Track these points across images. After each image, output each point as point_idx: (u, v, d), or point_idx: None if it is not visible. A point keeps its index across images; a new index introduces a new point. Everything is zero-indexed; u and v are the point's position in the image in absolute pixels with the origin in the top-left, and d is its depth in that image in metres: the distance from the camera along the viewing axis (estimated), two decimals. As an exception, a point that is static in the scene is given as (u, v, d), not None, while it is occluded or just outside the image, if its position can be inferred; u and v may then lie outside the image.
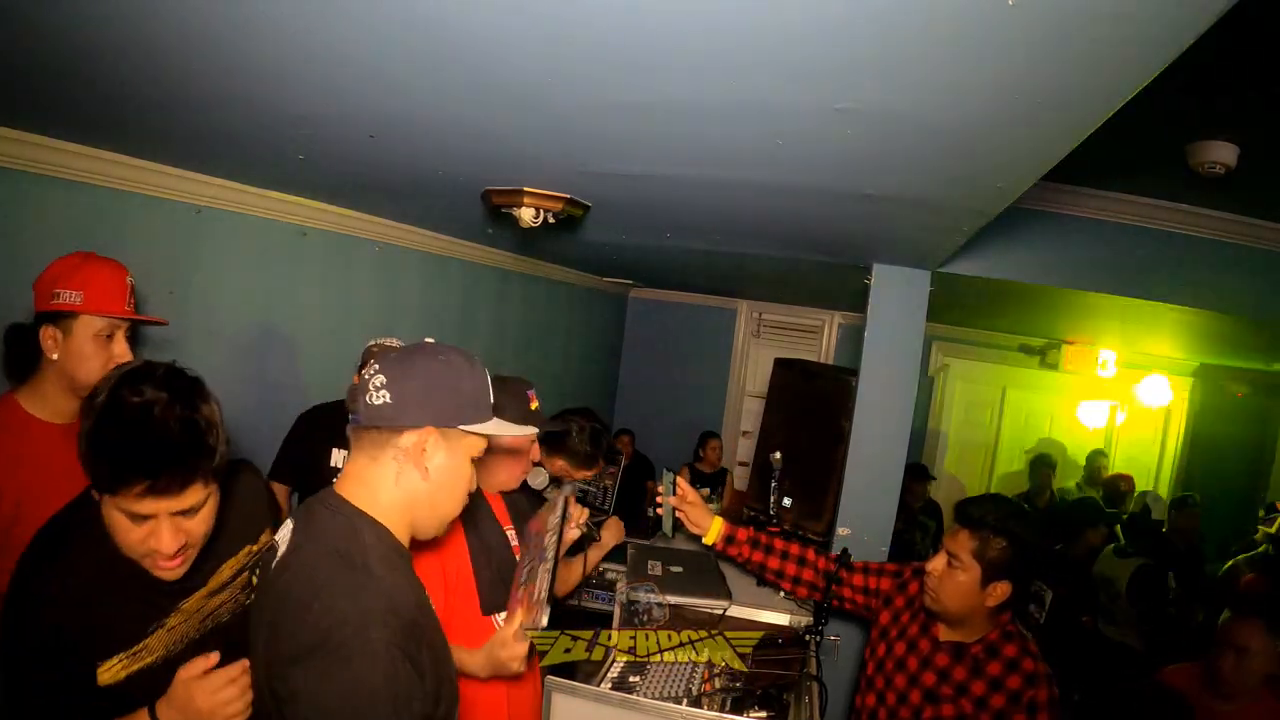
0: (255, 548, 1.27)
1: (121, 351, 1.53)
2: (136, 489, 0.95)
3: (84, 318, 1.47)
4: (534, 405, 1.66)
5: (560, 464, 2.23)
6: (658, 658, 1.66)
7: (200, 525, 1.07)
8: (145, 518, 0.99)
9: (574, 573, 1.98)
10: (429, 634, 1.00)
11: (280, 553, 1.01)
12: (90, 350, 1.48)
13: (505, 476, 1.66)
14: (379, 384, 1.02)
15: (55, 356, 1.47)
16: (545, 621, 1.36)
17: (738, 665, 1.66)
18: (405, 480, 1.03)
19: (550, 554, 1.48)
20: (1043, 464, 4.81)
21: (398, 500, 1.04)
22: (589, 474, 2.15)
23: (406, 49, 1.03)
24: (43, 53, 1.18)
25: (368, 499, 1.03)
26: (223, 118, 1.51)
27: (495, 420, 1.11)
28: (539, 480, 1.76)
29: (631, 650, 1.65)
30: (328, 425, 2.26)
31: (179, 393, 1.02)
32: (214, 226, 2.31)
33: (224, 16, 0.97)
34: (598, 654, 1.60)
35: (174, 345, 2.23)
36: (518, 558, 1.64)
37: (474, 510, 1.57)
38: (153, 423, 0.97)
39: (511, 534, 1.68)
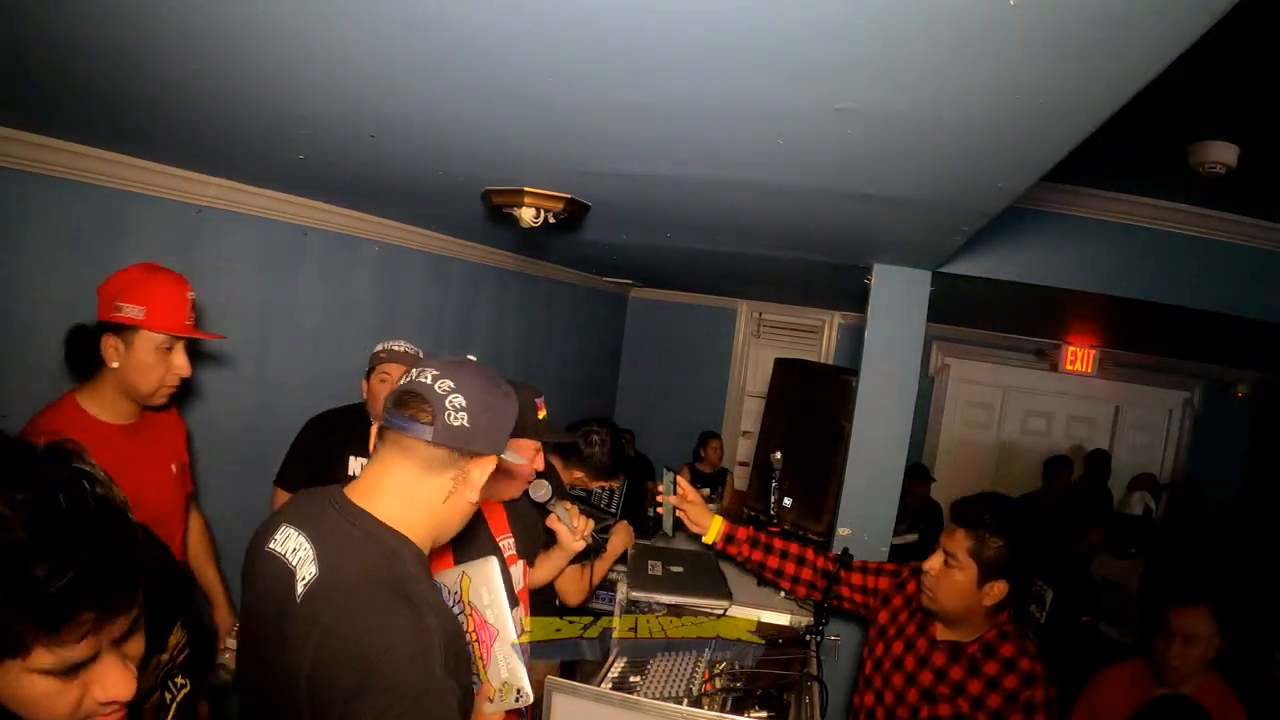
0: (164, 657, 0.99)
1: (181, 364, 1.60)
2: (82, 626, 0.63)
3: (145, 332, 1.53)
4: (541, 414, 1.67)
5: (579, 475, 2.23)
6: (663, 636, 1.67)
7: (138, 644, 0.73)
8: (77, 668, 0.66)
9: (582, 582, 1.98)
10: (465, 650, 1.02)
11: (307, 577, 0.95)
12: (151, 362, 1.55)
13: (506, 487, 1.65)
14: (459, 405, 1.00)
15: (116, 365, 1.52)
16: (528, 693, 1.25)
17: (753, 640, 1.71)
18: (454, 501, 1.04)
19: (504, 627, 1.42)
20: (1058, 465, 4.77)
21: (437, 518, 1.04)
22: (607, 484, 2.14)
23: (407, 49, 1.03)
24: (43, 52, 1.18)
25: (402, 513, 1.01)
26: (223, 118, 1.51)
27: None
28: (541, 493, 1.75)
29: (633, 629, 1.68)
30: (345, 430, 2.23)
31: (78, 475, 0.67)
32: (214, 226, 2.31)
33: (224, 16, 0.97)
34: (593, 632, 1.62)
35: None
36: (510, 568, 1.64)
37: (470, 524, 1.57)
38: (83, 528, 0.63)
39: (509, 543, 1.68)
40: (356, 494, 1.02)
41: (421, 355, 2.33)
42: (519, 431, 1.60)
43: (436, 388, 1.01)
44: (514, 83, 1.12)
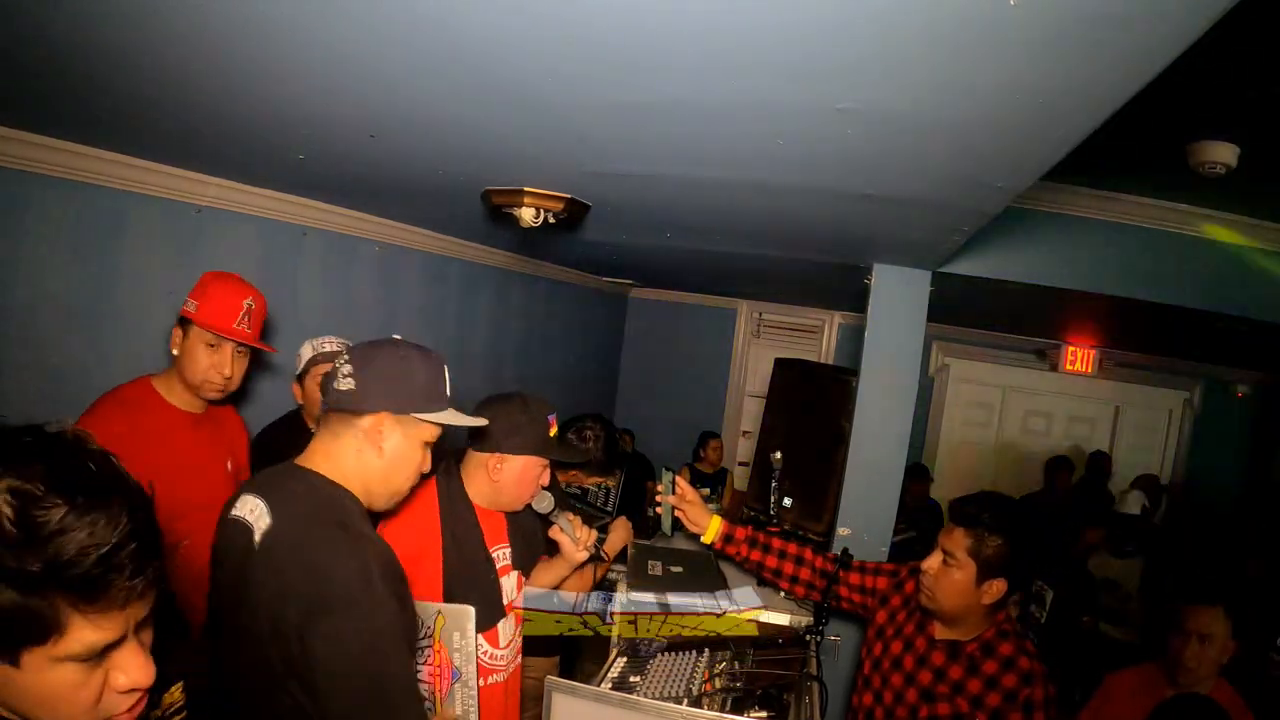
0: (157, 713, 0.87)
1: (220, 362, 1.70)
2: (119, 595, 0.63)
3: (196, 326, 1.68)
4: (553, 431, 1.68)
5: (573, 472, 2.22)
6: (661, 639, 1.68)
7: (150, 635, 0.73)
8: (104, 653, 0.65)
9: (585, 583, 1.97)
10: (401, 572, 1.15)
11: (263, 527, 1.07)
12: (198, 355, 1.68)
13: (511, 497, 1.65)
14: (346, 371, 1.18)
15: (175, 353, 1.70)
16: None
17: (750, 630, 1.75)
18: (364, 457, 1.18)
19: (468, 673, 1.44)
20: (1060, 466, 4.76)
21: (357, 473, 1.18)
22: (602, 481, 2.15)
23: (407, 49, 1.03)
24: (44, 53, 1.18)
25: (335, 470, 1.17)
26: (223, 118, 1.51)
27: (450, 410, 1.26)
28: (544, 505, 1.75)
29: (633, 624, 1.71)
30: (287, 445, 2.24)
31: (100, 451, 0.69)
32: (214, 226, 2.31)
33: (224, 16, 0.97)
34: (594, 620, 1.70)
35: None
36: (502, 579, 1.65)
37: (460, 524, 1.58)
38: (119, 495, 0.65)
39: (504, 553, 1.68)
40: (303, 460, 1.21)
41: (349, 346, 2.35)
42: (530, 449, 1.61)
43: (337, 362, 1.21)
44: (514, 83, 1.12)
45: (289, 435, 2.21)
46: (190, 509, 1.57)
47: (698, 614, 1.87)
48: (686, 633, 1.76)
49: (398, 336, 1.38)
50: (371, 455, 1.18)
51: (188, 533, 1.58)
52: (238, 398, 1.92)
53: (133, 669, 0.68)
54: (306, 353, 2.24)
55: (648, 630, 1.73)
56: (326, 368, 2.20)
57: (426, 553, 1.52)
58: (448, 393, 1.27)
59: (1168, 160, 2.13)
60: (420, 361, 1.23)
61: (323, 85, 1.22)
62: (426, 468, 1.27)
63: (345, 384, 1.17)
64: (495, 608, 1.62)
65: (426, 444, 1.25)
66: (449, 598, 1.51)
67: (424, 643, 1.41)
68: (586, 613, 1.80)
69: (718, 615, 1.93)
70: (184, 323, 1.69)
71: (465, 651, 1.43)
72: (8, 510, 0.58)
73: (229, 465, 1.85)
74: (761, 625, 2.00)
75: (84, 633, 0.63)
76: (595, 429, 2.21)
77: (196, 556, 1.48)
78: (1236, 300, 2.63)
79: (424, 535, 1.53)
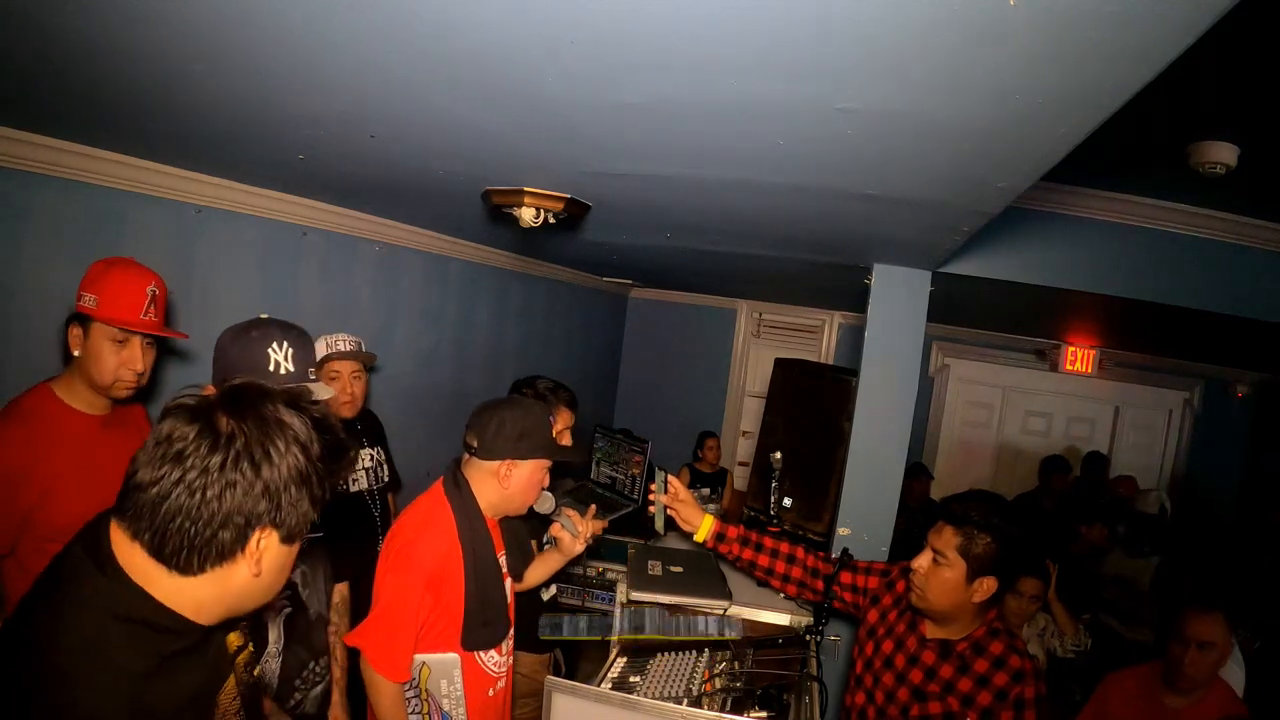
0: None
1: (130, 358, 1.55)
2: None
3: (98, 323, 1.51)
4: (555, 430, 1.69)
5: (564, 420, 2.25)
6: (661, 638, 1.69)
7: None
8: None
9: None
10: None
11: None
12: (104, 353, 1.53)
13: (519, 502, 1.64)
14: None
15: (77, 354, 1.54)
16: None
17: (733, 636, 1.73)
18: None
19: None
20: (1055, 466, 4.74)
21: None
22: (558, 424, 2.14)
23: (407, 49, 1.03)
24: (44, 53, 1.18)
25: None
26: (223, 118, 1.51)
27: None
28: (546, 506, 1.75)
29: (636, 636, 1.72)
30: None
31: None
32: (214, 226, 2.31)
33: (224, 16, 0.97)
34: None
35: (174, 345, 2.23)
36: (505, 583, 1.65)
37: (478, 541, 1.55)
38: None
39: (503, 560, 1.68)
40: None
41: (363, 346, 2.36)
42: (539, 452, 1.60)
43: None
44: (514, 82, 1.12)
45: None
46: None
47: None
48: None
49: (264, 315, 1.42)
50: None
51: None
52: (147, 392, 1.79)
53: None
54: (320, 349, 2.25)
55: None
56: (343, 366, 2.24)
57: (449, 575, 1.49)
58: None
59: (1168, 160, 2.13)
60: (247, 336, 1.38)
61: (322, 85, 1.22)
62: None
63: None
64: (505, 622, 1.61)
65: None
66: (467, 619, 1.50)
67: (409, 693, 1.43)
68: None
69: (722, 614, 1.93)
70: (82, 320, 1.52)
71: (454, 697, 1.45)
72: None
73: None
74: (762, 625, 2.00)
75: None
76: (538, 384, 2.30)
77: None
78: (1236, 300, 2.63)
79: (446, 558, 1.49)
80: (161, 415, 0.81)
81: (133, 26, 1.03)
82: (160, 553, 0.77)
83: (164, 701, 0.77)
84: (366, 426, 2.47)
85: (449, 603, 1.48)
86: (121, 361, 1.54)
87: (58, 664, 0.72)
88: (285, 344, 1.39)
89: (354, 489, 2.33)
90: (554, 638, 2.08)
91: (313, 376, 1.44)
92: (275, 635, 1.50)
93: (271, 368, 1.35)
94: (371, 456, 2.45)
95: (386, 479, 2.49)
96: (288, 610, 1.54)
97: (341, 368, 2.27)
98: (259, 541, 0.81)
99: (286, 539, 0.84)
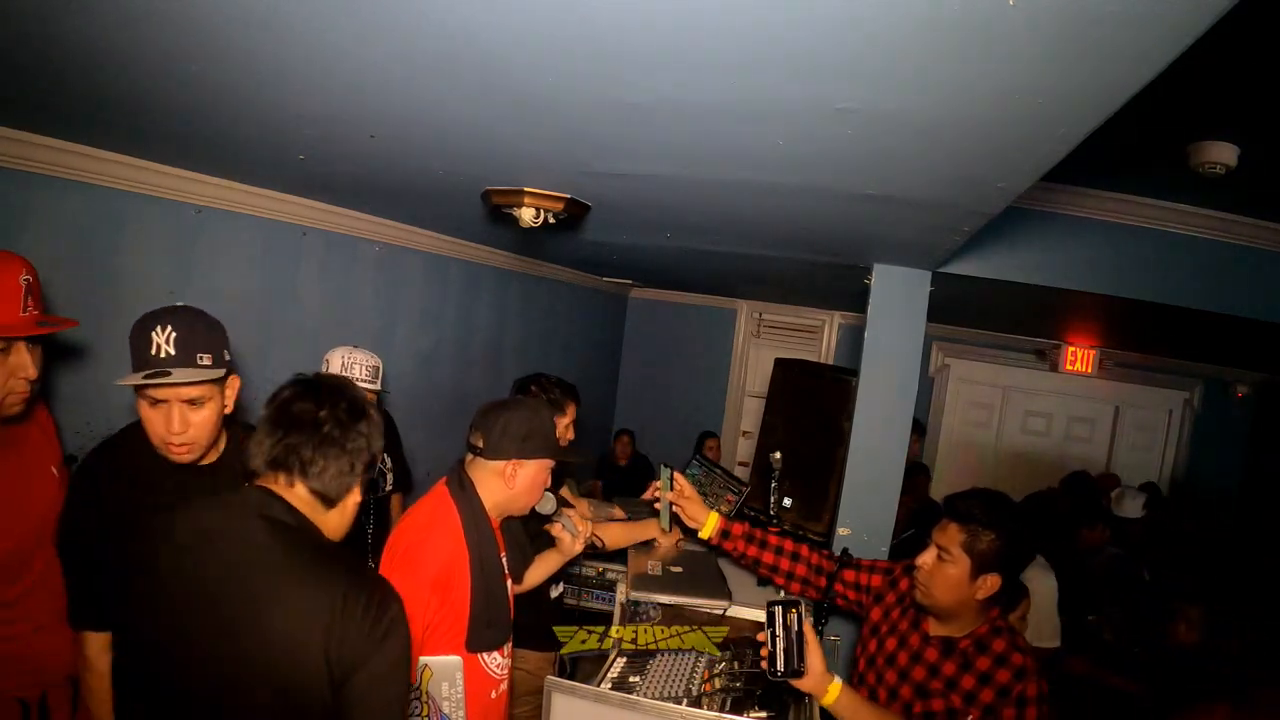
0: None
1: (18, 364, 1.35)
2: None
3: None
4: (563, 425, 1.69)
5: (568, 419, 2.26)
6: (653, 646, 1.70)
7: None
8: None
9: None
10: None
11: None
12: None
13: (523, 503, 1.63)
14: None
15: None
16: None
17: (713, 651, 1.73)
18: None
19: None
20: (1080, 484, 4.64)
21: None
22: (566, 418, 2.15)
23: (407, 49, 1.03)
24: (44, 53, 1.18)
25: None
26: (223, 118, 1.51)
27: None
28: (548, 507, 1.75)
29: (634, 642, 1.71)
30: None
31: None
32: (214, 226, 2.31)
33: (224, 16, 0.97)
34: (607, 644, 1.67)
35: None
36: (507, 584, 1.65)
37: (484, 544, 1.54)
38: None
39: (504, 561, 1.67)
40: None
41: (379, 373, 2.34)
42: (545, 452, 1.60)
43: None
44: (514, 82, 1.12)
45: None
46: (35, 526, 1.44)
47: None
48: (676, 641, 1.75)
49: (180, 304, 1.40)
50: None
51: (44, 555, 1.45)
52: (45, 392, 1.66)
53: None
54: (335, 364, 2.26)
55: (646, 641, 1.73)
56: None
57: (455, 577, 1.48)
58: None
59: (1168, 160, 2.13)
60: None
61: (323, 85, 1.22)
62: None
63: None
64: (509, 623, 1.61)
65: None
66: (472, 621, 1.49)
67: (413, 695, 1.43)
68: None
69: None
70: None
71: (454, 699, 1.45)
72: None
73: (54, 469, 1.55)
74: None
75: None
76: (542, 383, 2.27)
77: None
78: (1237, 300, 2.63)
79: (453, 560, 1.48)
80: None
81: (133, 26, 1.03)
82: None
83: None
84: None
85: (454, 604, 1.47)
86: (10, 372, 1.32)
87: None
88: (168, 328, 1.31)
89: None
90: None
91: (204, 361, 1.34)
92: None
93: (153, 351, 1.31)
94: None
95: (388, 488, 2.45)
96: None
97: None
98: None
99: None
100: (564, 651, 1.62)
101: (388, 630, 1.01)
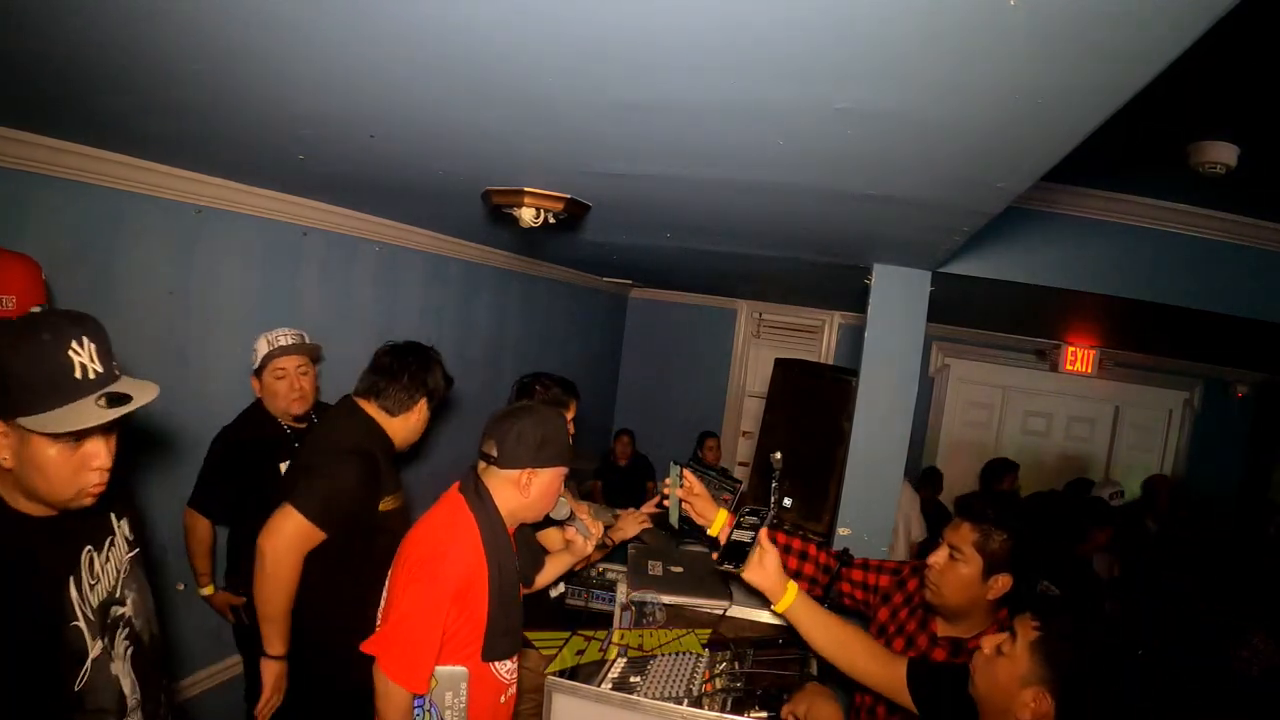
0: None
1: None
2: None
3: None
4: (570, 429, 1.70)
5: (570, 414, 2.26)
6: (657, 652, 1.69)
7: None
8: None
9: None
10: None
11: None
12: None
13: (538, 510, 1.63)
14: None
15: None
16: None
17: (699, 650, 1.73)
18: None
19: None
20: (1004, 469, 4.57)
21: None
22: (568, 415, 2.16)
23: (407, 49, 1.03)
24: (44, 53, 1.18)
25: None
26: (223, 118, 1.51)
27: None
28: (563, 512, 1.75)
29: (640, 647, 1.70)
30: (268, 441, 2.23)
31: None
32: (214, 226, 2.31)
33: (224, 16, 0.97)
34: (611, 653, 1.65)
35: (175, 346, 2.24)
36: (520, 592, 1.64)
37: (502, 552, 1.53)
38: None
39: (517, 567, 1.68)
40: None
41: (306, 338, 2.31)
42: (560, 460, 1.59)
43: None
44: (514, 83, 1.11)
45: (257, 428, 2.24)
46: None
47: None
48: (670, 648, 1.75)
49: (60, 309, 1.26)
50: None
51: None
52: (185, 397, 1.78)
53: None
54: (262, 347, 2.23)
55: (650, 644, 1.73)
56: (287, 362, 2.20)
57: (475, 587, 1.47)
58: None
59: (1168, 160, 2.13)
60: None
61: (322, 85, 1.22)
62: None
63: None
64: (520, 630, 1.61)
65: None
66: (490, 630, 1.49)
67: (417, 702, 1.43)
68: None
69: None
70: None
71: (457, 708, 1.45)
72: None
73: None
74: (761, 625, 2.00)
75: None
76: (544, 382, 2.32)
77: None
78: (1236, 300, 2.63)
79: (473, 570, 1.48)
80: None
81: (133, 26, 1.03)
82: None
83: None
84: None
85: (473, 614, 1.47)
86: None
87: None
88: (85, 339, 1.06)
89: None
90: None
91: (117, 373, 1.11)
92: (130, 687, 1.21)
93: (79, 374, 1.04)
94: None
95: None
96: (132, 650, 1.23)
97: (286, 364, 2.22)
98: None
99: None
100: (552, 670, 1.54)
101: None
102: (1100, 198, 2.56)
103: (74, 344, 1.04)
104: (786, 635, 1.97)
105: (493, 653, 1.50)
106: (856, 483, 2.47)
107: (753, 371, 5.80)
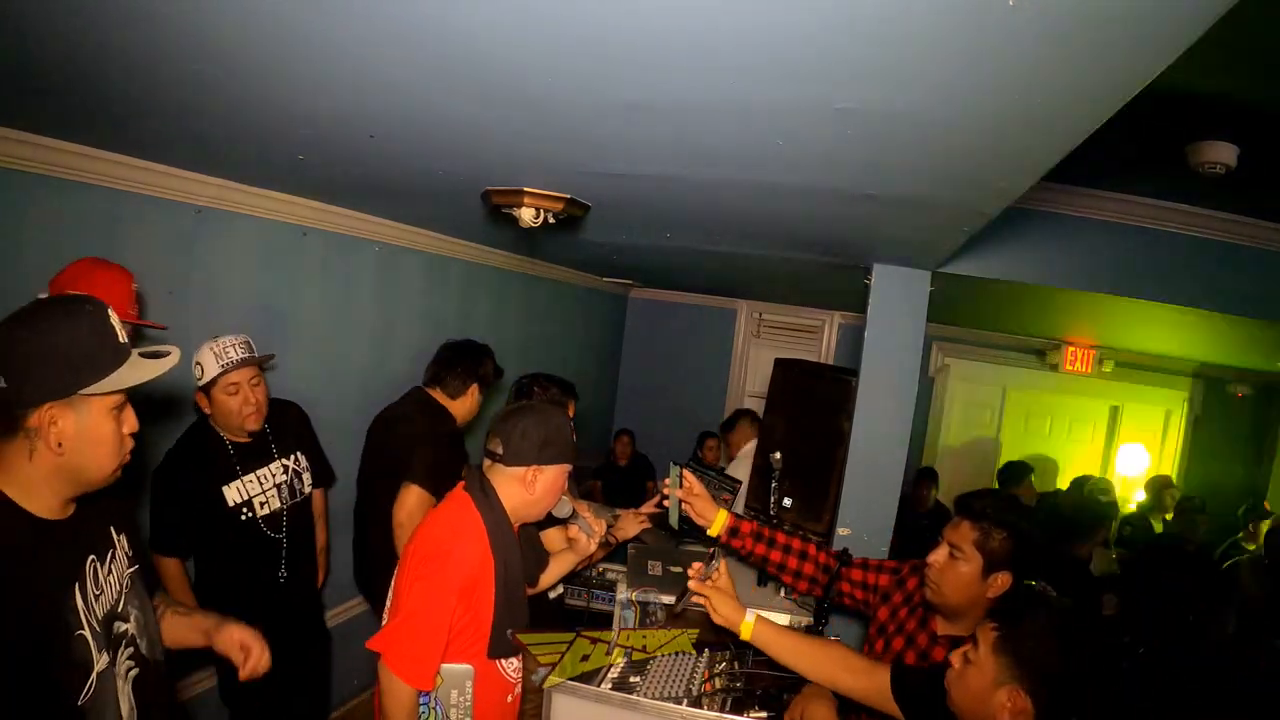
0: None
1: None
2: None
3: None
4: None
5: (570, 412, 2.28)
6: (656, 653, 1.69)
7: None
8: None
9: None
10: None
11: None
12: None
13: (541, 508, 1.64)
14: None
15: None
16: None
17: (689, 650, 1.74)
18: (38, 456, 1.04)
19: None
20: (925, 477, 4.55)
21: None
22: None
23: (407, 49, 1.02)
24: (44, 54, 1.18)
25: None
26: (222, 118, 1.51)
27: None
28: (565, 510, 1.75)
29: (644, 649, 1.70)
30: (210, 462, 2.10)
31: None
32: (214, 226, 2.31)
33: (224, 16, 0.97)
34: (617, 656, 1.64)
35: (174, 345, 2.23)
36: (525, 589, 1.64)
37: (508, 550, 1.55)
38: None
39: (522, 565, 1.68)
40: None
41: (253, 345, 2.12)
42: (563, 458, 1.60)
43: None
44: (514, 82, 1.11)
45: (199, 451, 2.09)
46: None
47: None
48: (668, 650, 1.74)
49: (43, 295, 1.29)
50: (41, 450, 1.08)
51: None
52: (182, 399, 1.70)
53: None
54: (209, 361, 2.02)
55: (651, 645, 1.72)
56: (240, 376, 2.04)
57: (481, 584, 1.48)
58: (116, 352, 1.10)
59: (1168, 160, 2.13)
60: (61, 320, 1.06)
61: (322, 85, 1.22)
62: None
63: None
64: (525, 628, 1.61)
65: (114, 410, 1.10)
66: (495, 628, 1.50)
67: (422, 699, 1.43)
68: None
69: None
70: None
71: (462, 707, 1.45)
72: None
73: None
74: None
75: None
76: (543, 383, 2.45)
77: None
78: (1236, 300, 2.63)
79: (480, 568, 1.49)
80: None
81: (133, 26, 1.03)
82: None
83: None
84: (279, 429, 2.24)
85: (479, 611, 1.47)
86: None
87: None
88: (109, 310, 1.13)
89: (252, 515, 2.12)
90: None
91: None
92: (127, 708, 1.17)
93: (121, 339, 1.12)
94: (286, 468, 2.23)
95: (307, 490, 2.32)
96: (135, 672, 1.20)
97: (239, 378, 2.04)
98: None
99: None
100: (562, 678, 1.52)
101: None
102: (1100, 198, 2.56)
103: (109, 312, 1.12)
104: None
105: (499, 650, 1.50)
106: (856, 483, 2.47)
107: (753, 371, 5.80)
